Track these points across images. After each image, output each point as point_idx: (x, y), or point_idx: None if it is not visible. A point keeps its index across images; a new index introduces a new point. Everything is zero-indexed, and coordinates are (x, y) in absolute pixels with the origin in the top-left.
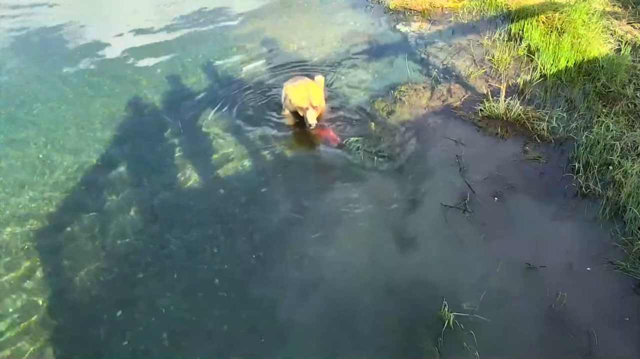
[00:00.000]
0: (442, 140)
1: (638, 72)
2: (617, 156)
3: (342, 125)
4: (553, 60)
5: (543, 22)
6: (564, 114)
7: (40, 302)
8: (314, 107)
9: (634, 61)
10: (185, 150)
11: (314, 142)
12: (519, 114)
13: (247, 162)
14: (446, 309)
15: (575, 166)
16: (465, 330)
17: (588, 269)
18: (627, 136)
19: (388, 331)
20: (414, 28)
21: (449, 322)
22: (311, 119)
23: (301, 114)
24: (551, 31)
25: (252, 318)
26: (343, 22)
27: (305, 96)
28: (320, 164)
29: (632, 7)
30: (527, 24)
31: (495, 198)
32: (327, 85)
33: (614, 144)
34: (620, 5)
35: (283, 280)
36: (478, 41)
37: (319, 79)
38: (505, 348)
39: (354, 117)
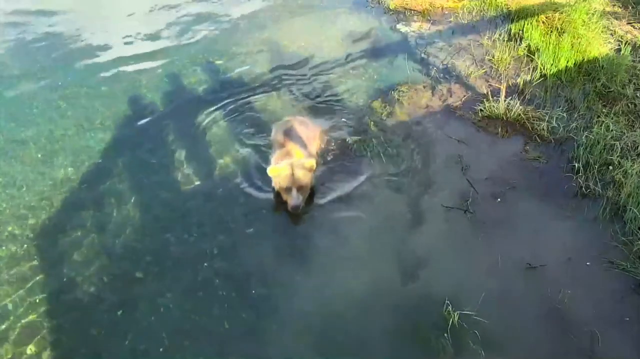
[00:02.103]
0: (442, 140)
1: (638, 72)
2: (617, 156)
3: (342, 126)
4: (553, 60)
5: (543, 22)
6: (564, 114)
7: (40, 302)
8: (299, 189)
9: (634, 61)
10: (185, 150)
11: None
12: (519, 114)
13: (247, 163)
14: (450, 308)
15: (575, 166)
16: (469, 329)
17: (587, 263)
18: (627, 136)
19: (391, 331)
20: (414, 28)
21: (453, 322)
22: (294, 201)
23: (284, 196)
24: (551, 31)
25: (252, 318)
26: (343, 22)
27: (287, 174)
28: (320, 164)
29: (632, 7)
30: (527, 24)
31: (498, 199)
32: (324, 95)
33: (614, 144)
34: (620, 5)
35: (284, 279)
36: (478, 41)
37: (310, 163)
38: (507, 346)
39: (354, 117)
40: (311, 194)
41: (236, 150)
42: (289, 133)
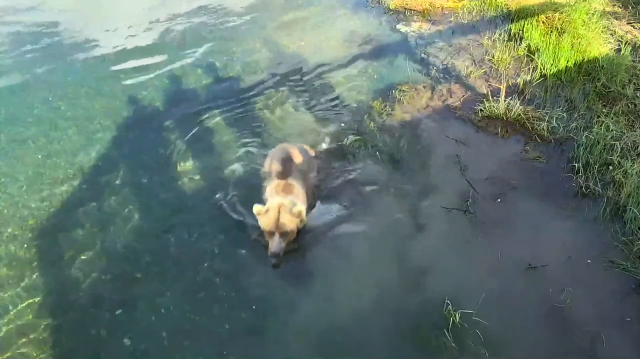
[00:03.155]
0: (442, 140)
1: (638, 72)
2: (617, 156)
3: (342, 126)
4: (553, 60)
5: (543, 22)
6: (564, 114)
7: (41, 302)
8: (282, 234)
9: (634, 61)
10: (185, 150)
11: (314, 145)
12: (519, 114)
13: (246, 163)
14: (450, 308)
15: (575, 166)
16: (470, 329)
17: (588, 261)
18: (627, 136)
19: (392, 332)
20: (414, 28)
21: (454, 322)
22: (275, 248)
23: (267, 237)
24: (551, 31)
25: (252, 318)
26: (343, 22)
27: (273, 218)
28: (319, 166)
29: (632, 7)
30: (527, 24)
31: (498, 199)
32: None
33: (614, 144)
34: (620, 5)
35: (284, 279)
36: (478, 41)
37: (298, 208)
38: (508, 346)
39: (354, 117)
40: (297, 236)
41: (236, 151)
42: (287, 164)
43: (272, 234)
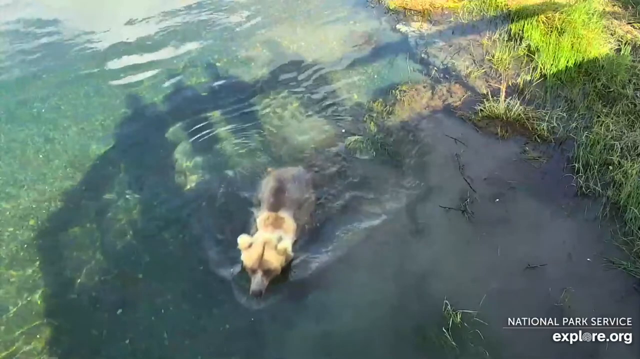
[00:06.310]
0: (442, 140)
1: (638, 72)
2: (617, 156)
3: (342, 125)
4: (553, 60)
5: (543, 22)
6: (564, 114)
7: (41, 302)
8: (265, 272)
9: (634, 61)
10: (185, 151)
11: (314, 145)
12: (519, 114)
13: (246, 162)
14: (449, 308)
15: (575, 166)
16: (470, 329)
17: (588, 259)
18: (627, 136)
19: (393, 332)
20: (414, 28)
21: (454, 322)
22: (256, 286)
23: (249, 274)
24: (551, 31)
25: (252, 319)
26: (343, 22)
27: (256, 254)
28: (319, 166)
29: (632, 7)
30: (527, 24)
31: (497, 199)
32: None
33: (614, 144)
34: (620, 5)
35: (283, 280)
36: (478, 41)
37: (283, 246)
38: (509, 345)
39: (354, 117)
40: (285, 271)
41: (237, 150)
42: (279, 195)
43: (254, 271)
